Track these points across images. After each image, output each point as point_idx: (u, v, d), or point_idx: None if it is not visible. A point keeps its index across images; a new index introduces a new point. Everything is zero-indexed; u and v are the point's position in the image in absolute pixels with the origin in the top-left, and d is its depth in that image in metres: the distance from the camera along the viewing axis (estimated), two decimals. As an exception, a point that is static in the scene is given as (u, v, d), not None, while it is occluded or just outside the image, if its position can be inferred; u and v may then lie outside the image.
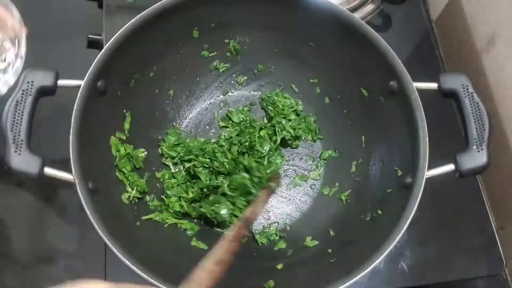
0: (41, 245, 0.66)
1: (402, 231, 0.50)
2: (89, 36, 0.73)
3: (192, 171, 0.65)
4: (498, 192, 0.74)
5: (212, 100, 0.73)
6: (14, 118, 0.50)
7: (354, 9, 0.78)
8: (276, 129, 0.68)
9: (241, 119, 0.70)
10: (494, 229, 0.70)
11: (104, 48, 0.56)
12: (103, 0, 0.77)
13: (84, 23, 0.79)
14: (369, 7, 0.80)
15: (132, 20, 0.58)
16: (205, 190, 0.64)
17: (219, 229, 0.64)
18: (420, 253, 0.67)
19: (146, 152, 0.65)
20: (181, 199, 0.64)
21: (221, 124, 0.71)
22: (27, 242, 0.67)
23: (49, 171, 0.50)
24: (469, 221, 0.70)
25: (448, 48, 0.83)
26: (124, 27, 0.57)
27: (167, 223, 0.62)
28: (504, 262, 0.67)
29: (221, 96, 0.73)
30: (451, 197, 0.70)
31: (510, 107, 0.68)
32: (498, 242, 0.68)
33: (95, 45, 0.73)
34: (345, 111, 0.69)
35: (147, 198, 0.63)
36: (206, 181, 0.64)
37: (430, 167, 0.53)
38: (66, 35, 0.79)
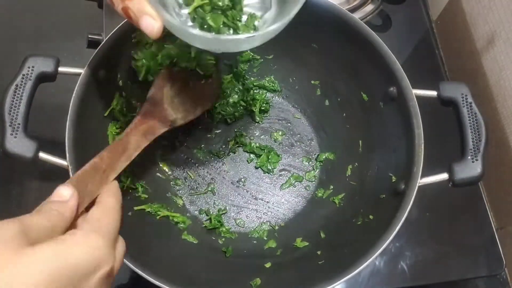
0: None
1: (391, 237, 0.50)
2: (89, 36, 0.73)
3: None
4: (498, 192, 0.73)
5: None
6: (13, 101, 0.51)
7: (354, 9, 0.79)
8: None
9: None
10: (494, 229, 0.70)
11: (107, 38, 0.57)
12: (103, 0, 0.77)
13: (84, 23, 0.80)
14: (369, 7, 0.80)
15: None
16: None
17: (207, 223, 0.65)
18: (420, 253, 0.67)
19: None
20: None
21: None
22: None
23: (43, 156, 0.51)
24: (469, 221, 0.70)
25: (448, 48, 0.83)
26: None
27: (159, 215, 0.63)
28: (504, 262, 0.67)
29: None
30: (451, 197, 0.70)
31: (510, 107, 0.68)
32: (498, 242, 0.68)
33: (95, 45, 0.73)
34: (344, 114, 0.69)
35: (140, 189, 0.63)
36: None
37: (425, 175, 0.53)
38: (66, 35, 0.80)
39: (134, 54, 0.59)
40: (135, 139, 0.52)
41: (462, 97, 0.55)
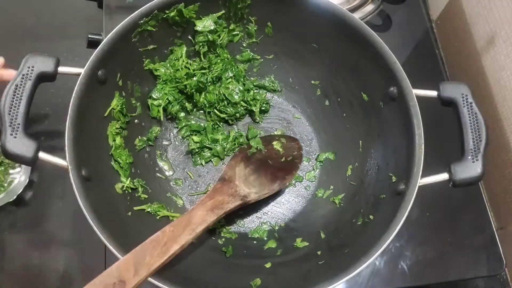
0: (41, 235, 0.68)
1: (391, 238, 0.50)
2: (89, 36, 0.73)
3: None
4: (498, 192, 0.73)
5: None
6: (13, 101, 0.50)
7: (354, 9, 0.79)
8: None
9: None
10: (494, 229, 0.70)
11: (107, 37, 0.57)
12: (103, 0, 0.77)
13: (84, 23, 0.80)
14: (369, 7, 0.80)
15: (137, 12, 0.58)
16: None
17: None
18: (420, 253, 0.67)
19: (145, 145, 0.66)
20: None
21: None
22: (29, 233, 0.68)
23: (43, 156, 0.50)
24: (469, 221, 0.71)
25: (448, 48, 0.83)
26: (128, 17, 0.58)
27: (159, 215, 0.63)
28: (504, 262, 0.67)
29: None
30: (451, 197, 0.70)
31: (510, 106, 0.68)
32: (498, 242, 0.69)
33: (95, 45, 0.73)
34: (344, 114, 0.68)
35: (140, 189, 0.63)
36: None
37: (426, 175, 0.53)
38: (66, 35, 0.80)
39: (152, 93, 0.65)
40: (201, 213, 0.54)
41: (463, 97, 0.55)
